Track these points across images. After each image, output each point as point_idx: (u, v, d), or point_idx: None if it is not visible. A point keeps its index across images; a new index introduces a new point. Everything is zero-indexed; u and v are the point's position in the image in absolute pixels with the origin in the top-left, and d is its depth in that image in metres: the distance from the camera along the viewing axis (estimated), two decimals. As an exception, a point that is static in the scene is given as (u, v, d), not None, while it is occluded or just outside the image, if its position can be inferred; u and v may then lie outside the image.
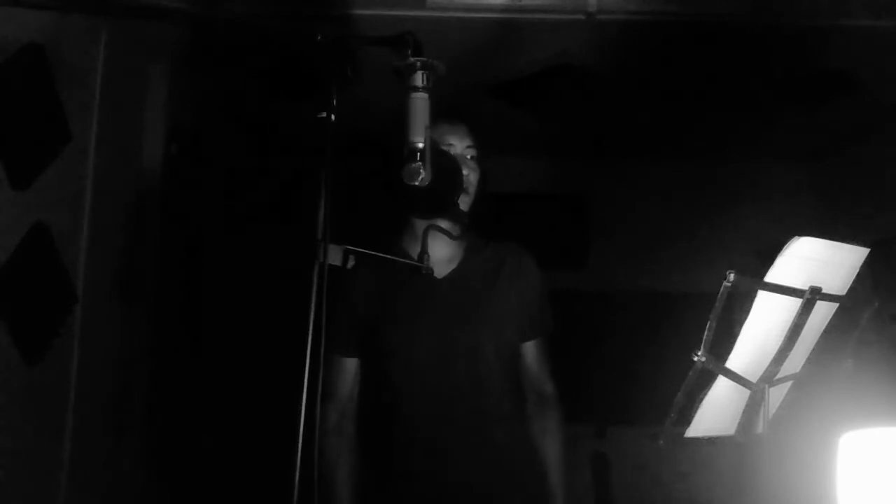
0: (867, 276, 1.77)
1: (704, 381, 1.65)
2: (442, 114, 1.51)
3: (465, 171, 2.02)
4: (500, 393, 2.05)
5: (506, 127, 3.76)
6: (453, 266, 2.11)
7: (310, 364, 1.40)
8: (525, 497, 2.06)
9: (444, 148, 2.01)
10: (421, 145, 1.46)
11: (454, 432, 2.00)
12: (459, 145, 2.07)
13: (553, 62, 3.27)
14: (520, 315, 2.11)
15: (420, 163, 1.46)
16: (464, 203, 2.04)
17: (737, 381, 1.66)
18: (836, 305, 1.71)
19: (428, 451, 2.00)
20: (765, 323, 1.63)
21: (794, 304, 1.60)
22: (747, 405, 1.73)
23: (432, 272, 2.00)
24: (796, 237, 1.57)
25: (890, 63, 3.10)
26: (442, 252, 2.07)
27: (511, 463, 2.05)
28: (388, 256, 1.97)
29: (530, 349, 2.15)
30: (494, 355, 2.05)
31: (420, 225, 2.04)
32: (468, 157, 2.08)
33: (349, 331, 2.08)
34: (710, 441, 1.74)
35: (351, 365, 2.10)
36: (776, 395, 1.74)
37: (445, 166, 1.86)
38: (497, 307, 2.08)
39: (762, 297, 1.60)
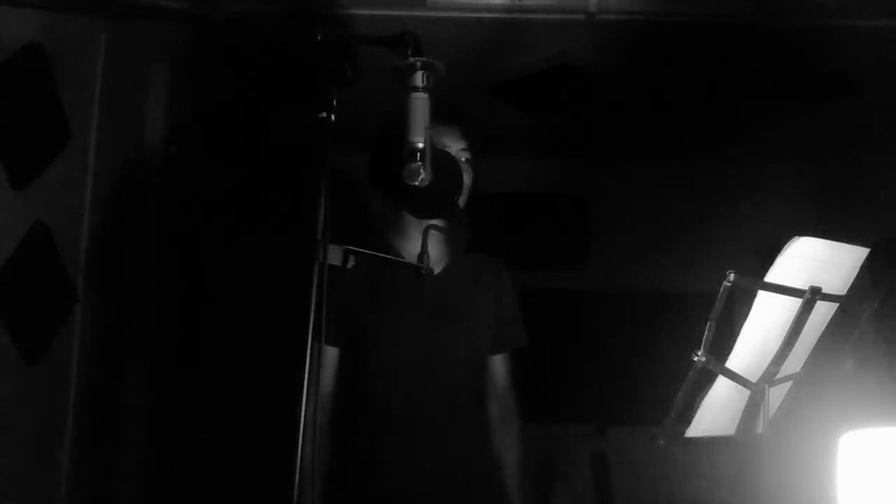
0: (867, 276, 1.77)
1: (704, 381, 1.65)
2: (437, 115, 1.50)
3: (462, 173, 2.03)
4: (472, 397, 2.11)
5: (506, 127, 3.76)
6: (442, 265, 2.12)
7: (310, 364, 1.40)
8: (487, 488, 2.11)
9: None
10: (421, 145, 1.46)
11: (427, 429, 2.03)
12: (454, 147, 2.07)
13: (553, 62, 3.27)
14: (494, 327, 2.14)
15: (420, 163, 1.46)
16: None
17: (737, 381, 1.66)
18: (836, 305, 1.71)
19: (400, 446, 2.03)
20: (765, 323, 1.63)
21: (794, 304, 1.60)
22: (747, 405, 1.73)
23: (433, 273, 2.00)
24: (796, 237, 1.57)
25: (890, 63, 3.09)
26: (433, 251, 2.08)
27: (478, 464, 2.10)
28: (389, 257, 1.97)
29: (499, 362, 2.18)
30: (469, 359, 2.09)
31: (412, 222, 2.05)
32: (463, 158, 2.08)
33: (334, 319, 2.08)
34: (710, 441, 1.74)
35: (331, 354, 2.10)
36: (776, 395, 1.74)
37: (445, 166, 1.87)
38: (475, 315, 2.12)
39: (762, 297, 1.60)
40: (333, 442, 2.08)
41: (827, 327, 1.74)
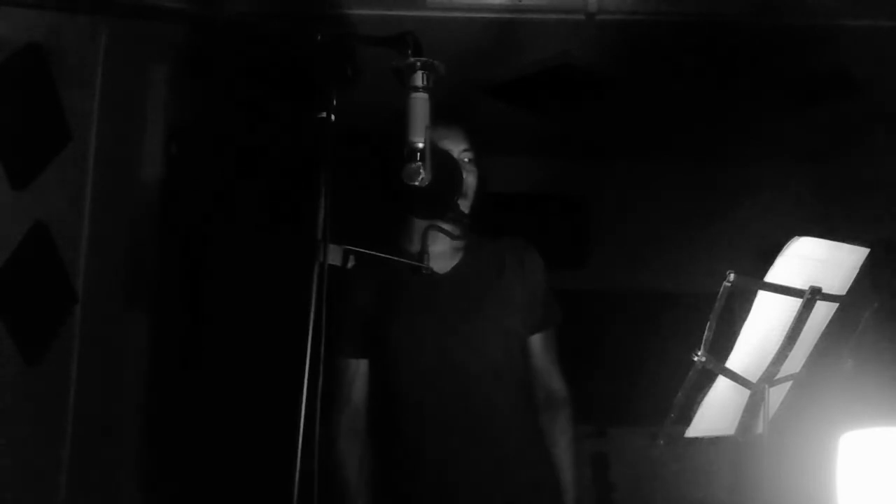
0: (867, 276, 1.77)
1: (704, 381, 1.65)
2: (437, 116, 1.50)
3: (462, 174, 2.02)
4: (510, 388, 2.04)
5: (506, 127, 3.76)
6: (455, 262, 2.10)
7: (310, 365, 1.39)
8: (535, 493, 2.06)
9: None
10: (421, 145, 1.46)
11: (465, 429, 1.99)
12: (455, 149, 2.04)
13: (553, 62, 3.27)
14: (525, 307, 2.09)
15: (420, 163, 1.45)
16: (463, 206, 2.03)
17: (737, 381, 1.66)
18: (836, 305, 1.71)
19: (439, 449, 1.99)
20: (765, 323, 1.63)
21: (794, 304, 1.60)
22: (747, 405, 1.73)
23: (432, 271, 2.00)
24: (796, 237, 1.57)
25: (890, 63, 3.10)
26: (443, 249, 2.07)
27: (522, 459, 2.04)
28: (389, 256, 1.97)
29: (537, 342, 2.13)
30: (502, 350, 2.04)
31: (419, 224, 2.04)
32: (465, 159, 2.06)
33: (356, 332, 2.07)
34: (710, 441, 1.74)
35: (360, 366, 2.09)
36: (776, 395, 1.74)
37: (445, 166, 1.86)
38: (502, 301, 2.07)
39: (762, 297, 1.60)
40: (375, 450, 2.06)
41: (827, 327, 1.74)
